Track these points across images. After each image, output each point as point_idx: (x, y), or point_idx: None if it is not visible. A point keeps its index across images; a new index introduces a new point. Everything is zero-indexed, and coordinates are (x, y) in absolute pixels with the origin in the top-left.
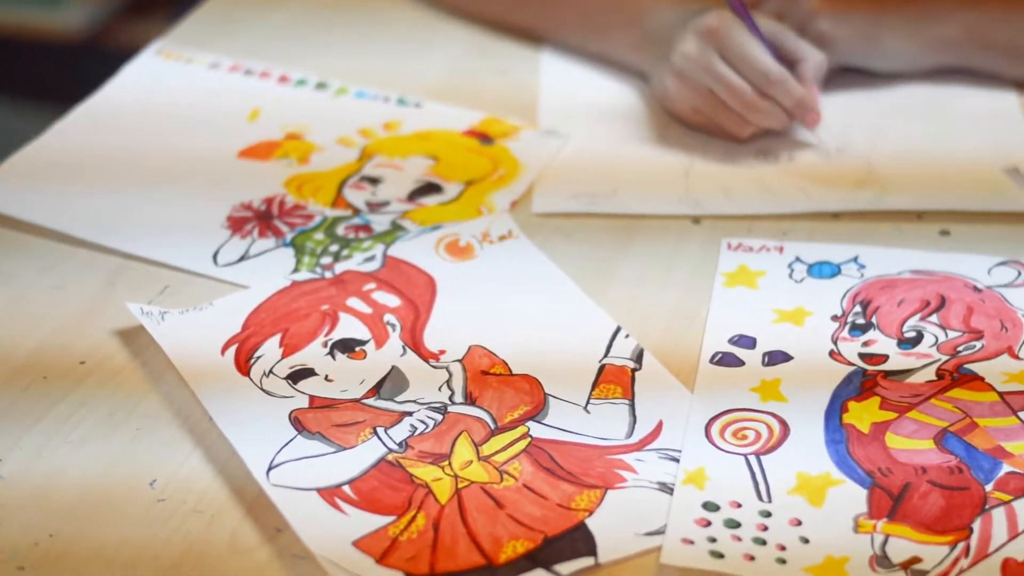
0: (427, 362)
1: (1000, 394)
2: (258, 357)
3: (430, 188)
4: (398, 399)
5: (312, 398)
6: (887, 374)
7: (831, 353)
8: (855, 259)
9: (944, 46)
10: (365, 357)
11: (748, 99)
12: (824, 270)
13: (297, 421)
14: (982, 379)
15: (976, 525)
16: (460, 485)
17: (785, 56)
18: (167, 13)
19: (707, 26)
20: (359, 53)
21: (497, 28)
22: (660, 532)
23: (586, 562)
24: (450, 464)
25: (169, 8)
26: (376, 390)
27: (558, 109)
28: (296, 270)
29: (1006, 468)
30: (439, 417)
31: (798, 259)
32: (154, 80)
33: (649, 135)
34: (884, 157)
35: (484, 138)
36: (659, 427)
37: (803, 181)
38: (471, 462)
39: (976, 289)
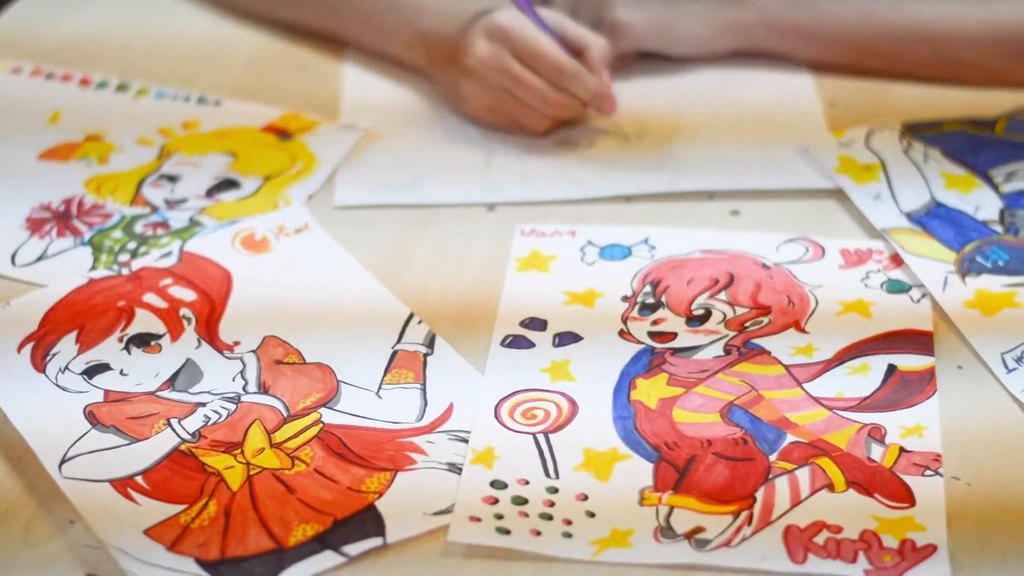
0: (222, 353)
1: (786, 367)
2: (54, 354)
3: (228, 184)
4: (192, 390)
5: (107, 392)
6: (676, 351)
7: (621, 332)
8: (646, 240)
9: (738, 30)
10: (160, 351)
11: (545, 95)
12: (615, 252)
13: (92, 415)
14: (768, 353)
15: (759, 494)
16: (252, 472)
17: (570, 46)
18: None
19: (497, 26)
20: (161, 54)
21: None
22: (448, 511)
23: (374, 542)
24: (242, 452)
25: None
26: (171, 382)
27: (361, 104)
28: (94, 268)
29: (790, 438)
30: (232, 407)
31: (590, 243)
32: None
33: (453, 127)
34: (681, 140)
35: (283, 134)
36: (450, 409)
37: (600, 167)
38: (263, 449)
39: (765, 266)
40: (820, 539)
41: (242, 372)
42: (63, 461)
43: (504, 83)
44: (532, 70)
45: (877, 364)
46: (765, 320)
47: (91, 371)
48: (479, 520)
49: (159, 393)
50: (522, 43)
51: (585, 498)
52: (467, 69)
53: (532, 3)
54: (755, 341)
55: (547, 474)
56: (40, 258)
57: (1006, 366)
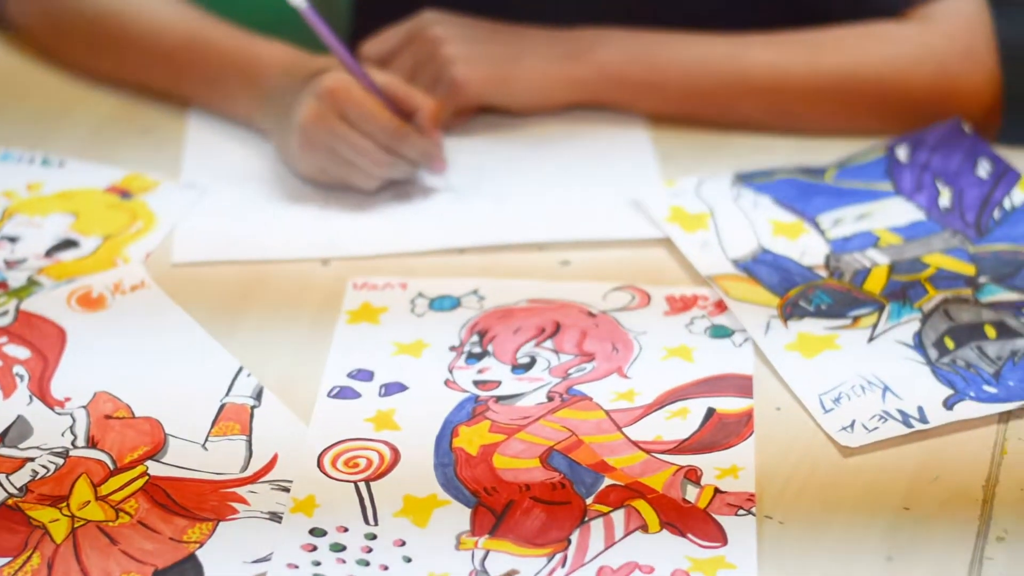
0: (52, 409)
1: (607, 412)
2: None
3: (68, 244)
4: (21, 446)
5: None
6: (499, 398)
7: (447, 382)
8: (475, 291)
9: (576, 84)
10: None
11: (373, 156)
12: (444, 303)
13: None
14: (590, 399)
15: (574, 536)
16: (76, 524)
17: (401, 107)
18: None
19: (325, 88)
20: (7, 117)
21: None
22: (267, 559)
23: None
24: (68, 505)
25: None
26: (1, 438)
27: (202, 163)
28: None
29: (607, 481)
30: (60, 461)
31: (420, 294)
32: None
33: (290, 184)
34: (514, 193)
35: (124, 194)
36: (274, 460)
37: (434, 220)
38: (88, 502)
39: (591, 314)
40: None
41: (72, 427)
42: None
43: (332, 144)
44: (360, 131)
45: (696, 407)
46: (589, 367)
47: None
48: (296, 567)
49: None
50: (350, 105)
51: (403, 543)
52: (297, 130)
53: (362, 65)
54: (578, 387)
55: (366, 521)
56: None
57: (823, 407)
